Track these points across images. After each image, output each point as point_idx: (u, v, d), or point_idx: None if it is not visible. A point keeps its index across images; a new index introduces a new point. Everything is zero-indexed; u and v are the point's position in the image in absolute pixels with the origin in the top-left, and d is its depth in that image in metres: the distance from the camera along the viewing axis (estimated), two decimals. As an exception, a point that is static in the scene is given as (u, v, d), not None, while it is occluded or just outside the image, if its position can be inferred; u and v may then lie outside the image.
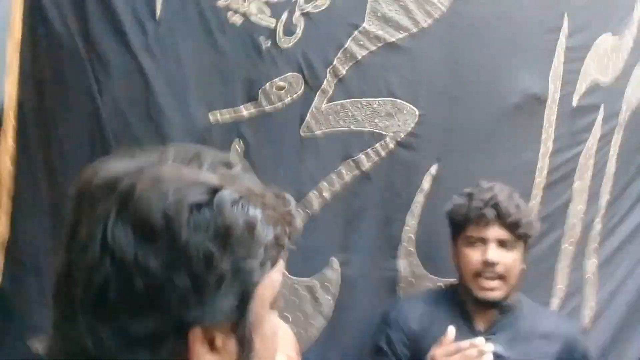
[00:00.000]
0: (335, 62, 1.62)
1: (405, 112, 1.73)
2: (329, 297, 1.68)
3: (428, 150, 1.78)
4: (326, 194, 1.66)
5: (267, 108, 1.56)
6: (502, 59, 1.85)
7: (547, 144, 1.94)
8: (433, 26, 1.72)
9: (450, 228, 1.60)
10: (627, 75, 2.04)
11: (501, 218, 1.49)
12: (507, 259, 1.50)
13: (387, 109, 1.71)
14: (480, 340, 1.35)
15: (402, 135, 1.74)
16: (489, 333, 1.51)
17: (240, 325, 0.61)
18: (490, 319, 1.54)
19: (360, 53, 1.65)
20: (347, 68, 1.64)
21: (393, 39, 1.68)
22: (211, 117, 1.48)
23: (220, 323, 0.60)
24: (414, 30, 1.70)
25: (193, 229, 0.57)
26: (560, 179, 1.96)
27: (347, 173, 1.69)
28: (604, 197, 2.05)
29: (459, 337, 1.45)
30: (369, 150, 1.71)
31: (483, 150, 1.85)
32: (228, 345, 0.61)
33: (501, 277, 1.50)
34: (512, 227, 1.49)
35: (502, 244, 1.50)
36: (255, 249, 0.61)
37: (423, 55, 1.73)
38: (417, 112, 1.74)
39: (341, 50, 1.62)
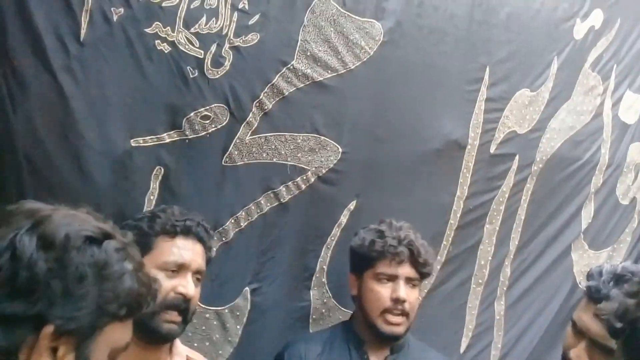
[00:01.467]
0: (261, 96, 1.65)
1: (328, 148, 1.79)
2: (239, 326, 1.69)
3: (348, 187, 1.84)
4: (243, 224, 1.68)
5: (191, 137, 1.57)
6: (425, 104, 1.93)
7: (463, 188, 2.04)
8: (360, 68, 1.79)
9: (356, 263, 1.64)
10: (542, 128, 2.18)
11: (413, 257, 1.56)
12: (413, 296, 1.57)
13: (310, 144, 1.76)
14: None
15: (323, 170, 1.79)
16: None
17: (83, 345, 0.77)
18: (384, 356, 1.60)
19: (288, 89, 1.69)
20: (273, 102, 1.68)
21: (321, 78, 1.74)
22: (132, 143, 1.48)
23: (70, 332, 0.75)
24: (342, 71, 1.77)
25: (81, 253, 0.77)
26: (472, 221, 2.06)
27: (266, 204, 1.72)
28: (514, 242, 2.17)
29: None
30: (289, 183, 1.74)
31: (401, 190, 1.93)
32: (67, 358, 0.76)
33: (406, 313, 1.56)
34: (421, 266, 1.57)
35: (409, 281, 1.57)
36: (119, 289, 0.80)
37: (349, 95, 1.79)
38: (340, 150, 1.80)
39: (268, 85, 1.66)
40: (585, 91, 2.26)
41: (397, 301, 1.54)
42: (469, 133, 2.02)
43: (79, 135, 1.42)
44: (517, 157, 2.13)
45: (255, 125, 1.67)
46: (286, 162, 1.73)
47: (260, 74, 1.65)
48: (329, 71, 1.74)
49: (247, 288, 1.71)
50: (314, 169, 1.77)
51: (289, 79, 1.68)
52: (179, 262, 1.32)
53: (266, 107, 1.67)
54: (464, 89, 2.00)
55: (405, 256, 1.56)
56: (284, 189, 1.74)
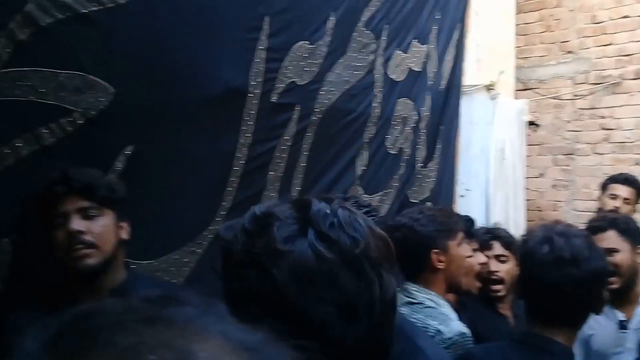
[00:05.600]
0: (11, 25, 1.48)
1: (97, 89, 1.67)
2: (-7, 282, 1.53)
3: (122, 131, 1.75)
4: (-4, 169, 1.51)
5: None
6: (205, 49, 1.91)
7: (246, 135, 2.07)
8: (131, 4, 1.69)
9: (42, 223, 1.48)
10: (320, 80, 2.30)
11: (74, 188, 1.44)
12: (94, 226, 1.45)
13: (75, 83, 1.63)
14: None
15: (93, 112, 1.67)
16: None
17: None
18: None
19: (44, 20, 1.54)
20: (27, 33, 1.51)
21: (85, 11, 1.61)
22: None
23: None
24: (110, 5, 1.65)
25: None
26: (257, 168, 2.12)
27: (24, 147, 1.56)
28: (295, 188, 2.28)
29: None
30: (52, 125, 1.60)
31: (182, 135, 1.89)
32: None
33: (90, 244, 1.44)
34: (89, 192, 1.45)
35: (82, 212, 1.45)
36: None
37: (120, 32, 1.69)
38: (112, 91, 1.69)
39: (20, 13, 1.49)
40: (359, 48, 2.45)
41: (71, 235, 1.42)
42: (250, 81, 2.05)
43: None
44: (297, 107, 2.23)
45: (6, 58, 1.49)
46: (46, 101, 1.58)
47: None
48: (95, 4, 1.62)
49: (6, 239, 1.55)
50: (81, 110, 1.65)
51: (46, 8, 1.53)
52: None
53: (18, 38, 1.50)
54: (244, 36, 2.02)
55: (65, 190, 1.43)
56: (45, 131, 1.59)
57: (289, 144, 2.23)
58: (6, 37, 1.48)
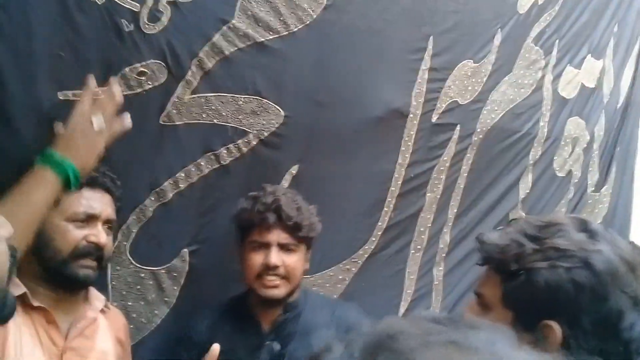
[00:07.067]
0: (201, 54, 1.63)
1: (270, 111, 1.78)
2: (176, 287, 1.69)
3: (290, 151, 1.84)
4: (182, 185, 1.67)
5: (126, 93, 1.53)
6: (368, 71, 1.94)
7: (405, 156, 2.06)
8: (303, 31, 1.78)
9: (237, 234, 1.62)
10: (483, 99, 2.22)
11: (283, 222, 1.54)
12: (290, 260, 1.56)
13: (252, 106, 1.74)
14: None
15: (265, 134, 1.78)
16: (274, 332, 1.57)
17: None
18: (274, 319, 1.59)
19: (229, 49, 1.67)
20: (213, 62, 1.65)
21: (262, 39, 1.72)
22: (60, 96, 1.44)
23: None
24: (284, 33, 1.75)
25: None
26: (414, 189, 2.09)
27: (206, 166, 1.71)
28: (453, 210, 2.22)
29: (247, 339, 1.52)
30: (230, 145, 1.73)
31: (343, 155, 1.94)
32: None
33: (283, 277, 1.55)
34: (294, 230, 1.55)
35: (283, 247, 1.56)
36: None
37: (292, 58, 1.78)
38: (283, 113, 1.79)
39: (208, 44, 1.63)
40: (526, 65, 2.32)
41: (269, 267, 1.53)
42: (411, 102, 2.04)
43: (4, 88, 1.37)
44: (458, 127, 2.17)
45: (195, 85, 1.64)
46: (227, 124, 1.71)
47: (199, 31, 1.62)
48: (271, 32, 1.73)
49: (185, 250, 1.70)
50: (255, 131, 1.76)
51: (230, 38, 1.66)
52: (88, 213, 1.32)
53: (206, 67, 1.64)
54: (408, 57, 2.02)
55: (274, 222, 1.53)
56: (224, 151, 1.73)
57: (448, 164, 2.18)
58: (196, 65, 1.63)
